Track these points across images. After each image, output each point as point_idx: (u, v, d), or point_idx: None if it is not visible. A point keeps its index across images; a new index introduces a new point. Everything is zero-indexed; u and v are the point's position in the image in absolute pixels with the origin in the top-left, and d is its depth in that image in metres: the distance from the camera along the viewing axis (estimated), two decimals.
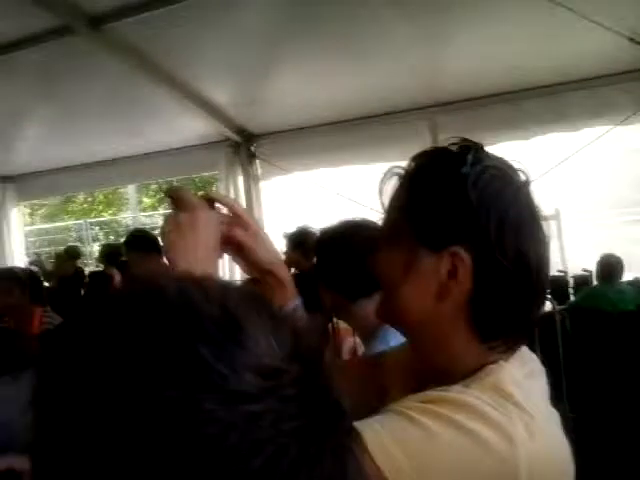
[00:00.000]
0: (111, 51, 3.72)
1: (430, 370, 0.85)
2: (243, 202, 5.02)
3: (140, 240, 3.98)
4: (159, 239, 4.24)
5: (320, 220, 4.58)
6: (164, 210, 14.95)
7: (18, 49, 3.66)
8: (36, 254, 7.78)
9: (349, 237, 1.53)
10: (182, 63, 4.00)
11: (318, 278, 1.61)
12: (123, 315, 0.41)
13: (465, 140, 0.83)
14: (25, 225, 7.67)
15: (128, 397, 0.36)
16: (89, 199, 15.98)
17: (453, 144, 0.83)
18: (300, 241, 3.96)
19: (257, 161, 5.26)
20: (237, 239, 0.95)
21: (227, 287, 0.45)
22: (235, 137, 5.16)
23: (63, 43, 3.57)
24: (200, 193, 0.96)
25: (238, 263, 1.01)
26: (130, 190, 12.48)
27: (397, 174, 0.86)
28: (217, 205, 0.96)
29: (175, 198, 0.92)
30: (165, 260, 0.89)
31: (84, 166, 5.91)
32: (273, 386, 0.37)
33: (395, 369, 1.00)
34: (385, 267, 0.86)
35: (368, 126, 4.70)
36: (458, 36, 3.63)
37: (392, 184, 0.86)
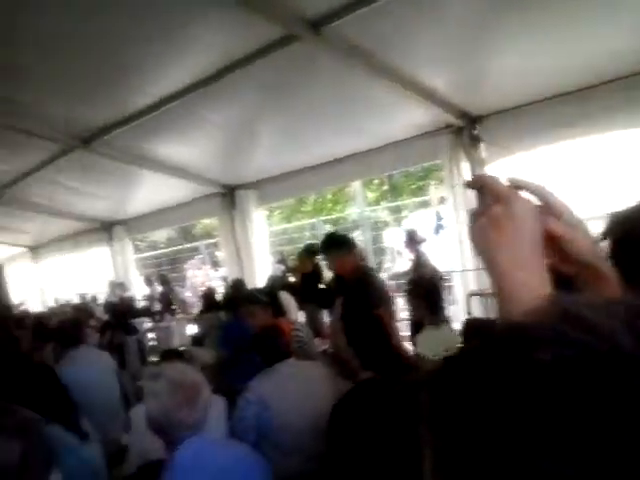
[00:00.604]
0: (331, 52, 3.85)
1: None
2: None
3: (335, 241, 4.22)
4: (352, 239, 4.38)
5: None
6: (387, 203, 15.23)
7: (249, 63, 3.98)
8: (280, 253, 8.44)
9: None
10: (398, 53, 3.99)
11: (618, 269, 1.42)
12: (556, 360, 0.33)
13: None
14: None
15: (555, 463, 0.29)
16: (319, 199, 16.95)
17: None
18: None
19: (481, 144, 5.08)
20: (553, 230, 0.78)
21: None
22: (457, 122, 5.05)
23: (288, 51, 3.79)
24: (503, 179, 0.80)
25: (547, 256, 0.81)
26: (356, 186, 12.90)
27: None
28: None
29: (484, 188, 0.78)
30: (481, 261, 0.76)
31: (314, 167, 6.28)
32: None
33: None
34: None
35: (600, 94, 4.27)
36: None
37: None
